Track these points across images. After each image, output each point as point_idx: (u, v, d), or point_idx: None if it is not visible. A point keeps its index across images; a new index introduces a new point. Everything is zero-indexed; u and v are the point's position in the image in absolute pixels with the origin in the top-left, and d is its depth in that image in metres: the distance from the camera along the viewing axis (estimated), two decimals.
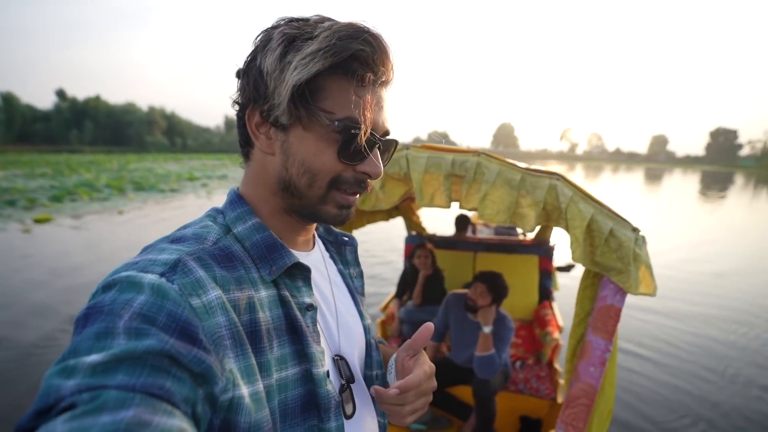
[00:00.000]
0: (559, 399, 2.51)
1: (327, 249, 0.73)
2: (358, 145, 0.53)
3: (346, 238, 0.76)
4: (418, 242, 3.68)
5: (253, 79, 0.54)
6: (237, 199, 0.60)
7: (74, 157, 52.30)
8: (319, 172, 0.54)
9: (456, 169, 1.30)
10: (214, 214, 0.59)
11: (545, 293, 3.64)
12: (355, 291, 0.73)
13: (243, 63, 0.56)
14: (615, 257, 1.15)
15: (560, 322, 3.15)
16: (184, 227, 0.56)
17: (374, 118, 0.54)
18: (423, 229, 4.11)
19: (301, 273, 0.57)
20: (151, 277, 0.42)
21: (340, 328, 0.64)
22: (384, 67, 0.53)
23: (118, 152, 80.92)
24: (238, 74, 0.57)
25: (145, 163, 39.95)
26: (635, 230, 1.16)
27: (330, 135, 0.52)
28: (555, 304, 3.52)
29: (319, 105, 0.51)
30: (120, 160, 42.54)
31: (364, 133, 0.52)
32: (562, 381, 2.62)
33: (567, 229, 1.18)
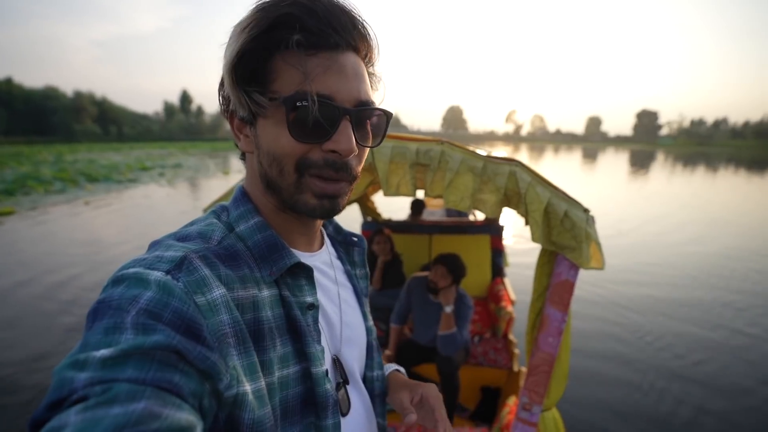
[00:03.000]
0: (515, 368, 2.70)
1: (336, 249, 0.72)
2: (314, 120, 0.48)
3: (355, 239, 0.75)
4: (376, 228, 3.73)
5: (221, 84, 0.54)
6: (241, 196, 0.59)
7: None
8: (283, 157, 0.51)
9: (420, 158, 1.33)
10: (220, 211, 0.59)
11: (497, 270, 3.84)
12: (361, 292, 0.73)
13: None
14: (569, 236, 1.25)
15: (512, 296, 3.35)
16: (191, 224, 0.55)
17: (333, 86, 0.48)
18: (378, 215, 4.16)
19: (304, 272, 0.57)
20: (157, 274, 0.43)
21: (343, 328, 0.65)
22: (331, 27, 0.47)
23: (40, 142, 73.35)
24: (219, 87, 0.56)
25: (80, 153, 37.02)
26: (586, 211, 1.26)
27: (282, 116, 0.49)
28: (507, 280, 3.73)
29: (270, 89, 0.49)
30: (50, 151, 39.03)
31: (317, 103, 0.47)
32: (517, 351, 2.81)
33: (526, 212, 1.27)
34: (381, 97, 0.58)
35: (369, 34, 0.52)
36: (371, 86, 0.55)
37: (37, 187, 13.93)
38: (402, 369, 0.84)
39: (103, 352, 0.36)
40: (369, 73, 0.55)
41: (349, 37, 0.49)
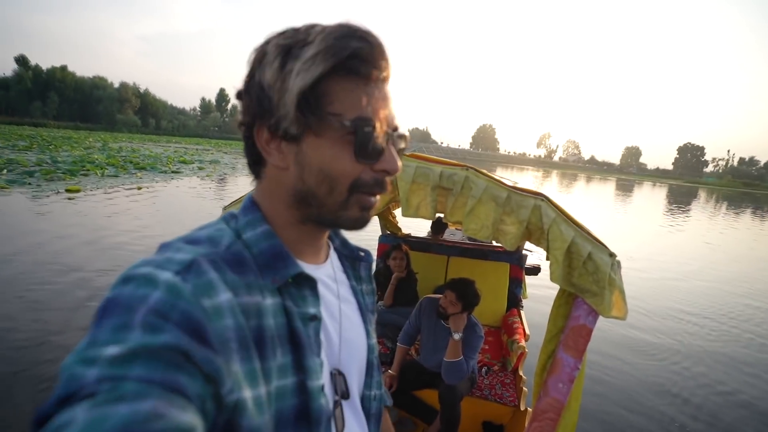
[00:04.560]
0: (522, 406, 2.57)
1: (342, 263, 0.72)
2: (374, 143, 0.52)
3: (362, 253, 0.75)
4: (394, 243, 3.69)
5: (255, 96, 0.53)
6: (250, 205, 0.59)
7: (42, 131, 51.47)
8: (339, 177, 0.53)
9: (443, 182, 1.30)
10: (229, 218, 0.59)
11: (514, 301, 3.72)
12: (366, 308, 0.72)
13: (242, 83, 0.55)
14: (591, 280, 1.18)
15: (527, 330, 3.23)
16: (200, 228, 0.56)
17: (382, 113, 0.54)
18: (399, 229, 4.13)
19: (309, 283, 0.57)
20: (167, 275, 0.43)
21: (342, 344, 0.64)
22: (384, 61, 0.53)
23: (85, 128, 77.30)
24: (239, 95, 0.56)
25: (121, 142, 39.69)
26: (612, 255, 1.19)
27: (344, 137, 0.52)
28: (523, 312, 3.61)
29: (327, 109, 0.51)
30: (95, 138, 42.17)
31: (380, 129, 0.52)
32: (525, 388, 2.69)
33: (548, 249, 1.21)
34: None
35: (392, 67, 0.57)
36: None
37: (95, 170, 15.24)
38: (390, 404, 0.82)
39: (112, 350, 0.37)
40: None
41: (390, 69, 0.55)
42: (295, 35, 0.52)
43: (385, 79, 0.55)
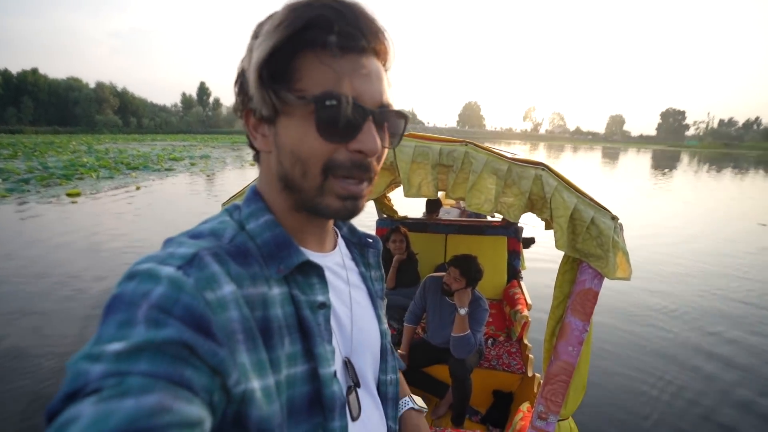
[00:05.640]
0: (530, 373, 2.65)
1: (350, 250, 0.72)
2: (342, 120, 0.49)
3: (370, 240, 0.74)
4: (392, 226, 3.71)
5: (238, 83, 0.54)
6: (253, 195, 0.59)
7: (21, 138, 51.06)
8: (309, 158, 0.51)
9: (443, 159, 1.30)
10: (232, 209, 0.59)
11: (513, 273, 3.78)
12: (376, 295, 0.72)
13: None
14: (595, 244, 1.21)
15: (528, 300, 3.30)
16: (204, 222, 0.56)
17: (359, 88, 0.49)
18: (395, 212, 4.14)
19: (315, 270, 0.57)
20: (168, 270, 0.44)
21: (354, 330, 0.64)
22: (360, 31, 0.49)
23: (64, 132, 75.35)
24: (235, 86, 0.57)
25: (105, 144, 39.48)
26: (614, 218, 1.22)
27: (309, 115, 0.49)
28: (523, 283, 3.67)
29: (294, 87, 0.49)
30: (78, 141, 41.91)
31: (347, 104, 0.48)
32: (531, 356, 2.77)
33: (551, 218, 1.23)
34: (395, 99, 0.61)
35: (388, 40, 0.53)
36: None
37: (89, 173, 15.39)
38: (420, 406, 0.84)
39: (116, 346, 0.37)
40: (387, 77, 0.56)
41: (374, 41, 0.51)
42: (268, 18, 0.51)
43: (366, 52, 0.50)
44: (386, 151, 0.57)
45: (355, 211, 0.55)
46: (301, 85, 0.49)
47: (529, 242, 5.18)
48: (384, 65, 0.55)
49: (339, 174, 0.51)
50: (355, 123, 0.50)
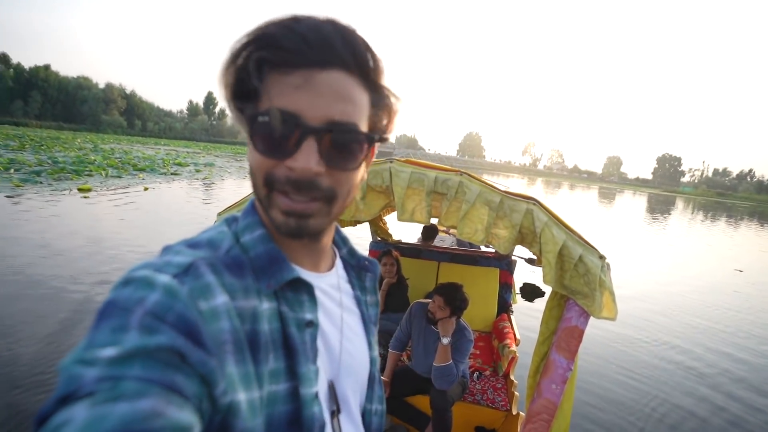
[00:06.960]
0: (514, 410, 2.60)
1: (348, 273, 0.70)
2: (273, 136, 0.48)
3: (367, 263, 0.72)
4: (384, 249, 3.71)
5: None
6: (251, 208, 0.59)
7: (27, 131, 51.64)
8: (255, 172, 0.51)
9: (438, 187, 1.32)
10: (231, 220, 0.59)
11: (504, 306, 3.76)
12: (369, 320, 0.70)
13: None
14: (582, 282, 1.21)
15: (517, 334, 3.26)
16: (203, 231, 0.56)
17: (303, 104, 0.47)
18: (389, 236, 4.14)
19: (306, 288, 0.56)
20: (164, 278, 0.44)
21: (343, 354, 0.62)
22: (308, 45, 0.46)
23: (68, 129, 75.74)
24: None
25: (109, 144, 39.82)
26: (602, 257, 1.23)
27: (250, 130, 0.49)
28: (513, 317, 3.65)
29: (258, 105, 0.49)
30: (83, 139, 42.37)
31: (277, 120, 0.47)
32: (517, 393, 2.71)
33: (540, 252, 1.24)
34: (392, 121, 0.57)
35: (362, 52, 0.49)
36: (370, 108, 0.53)
37: (99, 171, 15.63)
38: None
39: (110, 351, 0.37)
40: (376, 94, 0.53)
41: (331, 54, 0.47)
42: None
43: (325, 66, 0.47)
44: (357, 172, 0.54)
45: (301, 229, 0.51)
46: (262, 103, 0.48)
47: (536, 294, 4.99)
48: (362, 79, 0.50)
49: (278, 188, 0.50)
50: (291, 140, 0.48)
